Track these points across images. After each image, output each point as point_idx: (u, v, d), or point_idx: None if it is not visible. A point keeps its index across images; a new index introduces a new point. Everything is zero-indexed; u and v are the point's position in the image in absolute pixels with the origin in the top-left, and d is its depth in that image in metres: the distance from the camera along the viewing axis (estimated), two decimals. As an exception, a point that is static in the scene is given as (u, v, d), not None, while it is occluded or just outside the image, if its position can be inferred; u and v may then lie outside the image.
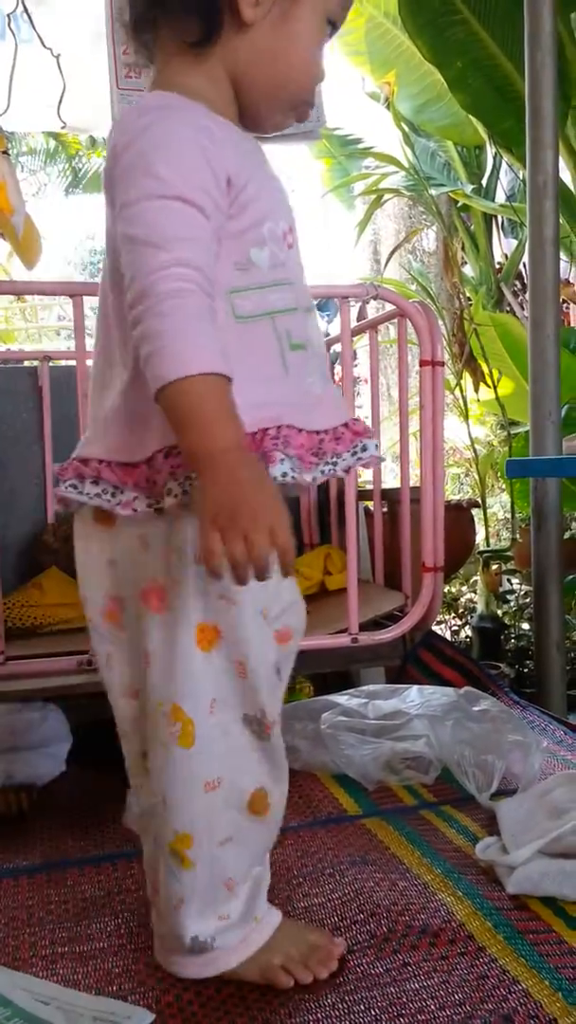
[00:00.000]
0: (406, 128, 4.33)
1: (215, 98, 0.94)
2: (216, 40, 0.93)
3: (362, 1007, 0.97)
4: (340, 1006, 0.97)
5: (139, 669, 0.98)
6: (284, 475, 0.89)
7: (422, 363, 1.86)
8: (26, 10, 2.38)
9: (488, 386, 3.52)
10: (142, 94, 0.96)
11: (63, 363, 2.48)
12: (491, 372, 3.40)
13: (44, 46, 2.38)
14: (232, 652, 0.95)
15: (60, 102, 2.44)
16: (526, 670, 2.58)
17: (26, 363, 2.45)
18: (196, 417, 0.83)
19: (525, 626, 2.86)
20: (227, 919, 1.01)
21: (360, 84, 5.16)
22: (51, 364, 2.37)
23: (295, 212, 1.01)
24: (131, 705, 1.01)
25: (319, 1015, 0.96)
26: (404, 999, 0.98)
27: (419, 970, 1.03)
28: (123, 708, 1.02)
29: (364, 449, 0.99)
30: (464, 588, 3.55)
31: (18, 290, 2.45)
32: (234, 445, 0.83)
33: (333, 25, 0.99)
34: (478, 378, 4.23)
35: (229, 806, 0.98)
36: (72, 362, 2.26)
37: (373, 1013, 0.96)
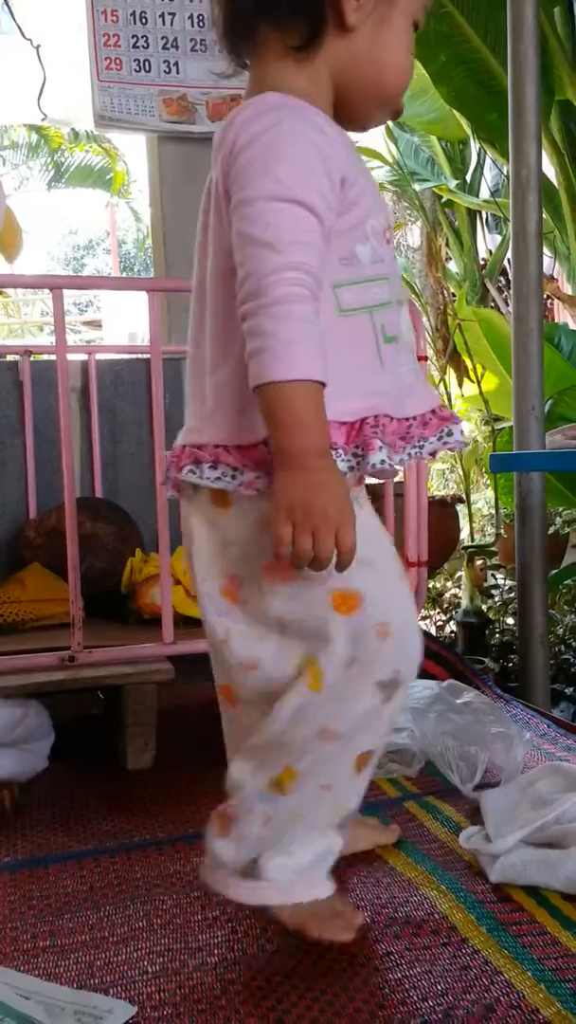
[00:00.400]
0: (389, 122, 4.32)
1: (318, 99, 0.98)
2: (320, 44, 0.97)
3: (344, 997, 0.97)
4: (323, 998, 0.97)
5: (259, 640, 1.02)
6: (382, 462, 0.95)
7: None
8: (6, 1, 2.36)
9: (472, 381, 3.53)
10: (243, 98, 0.99)
11: (44, 358, 2.47)
12: (475, 367, 3.40)
13: (24, 37, 2.37)
14: (374, 615, 0.99)
15: (40, 94, 2.43)
16: (510, 664, 2.59)
17: (8, 358, 2.43)
18: (290, 418, 0.89)
19: (510, 621, 2.87)
20: (291, 858, 1.05)
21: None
22: (32, 359, 2.36)
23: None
24: (252, 675, 1.03)
25: (301, 1006, 0.96)
26: (387, 989, 0.98)
27: (401, 960, 1.04)
28: (242, 679, 1.04)
29: (450, 434, 1.04)
30: (449, 583, 3.56)
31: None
32: (318, 450, 0.90)
33: (416, 26, 1.03)
34: (462, 373, 4.24)
35: (341, 758, 1.03)
36: (53, 356, 2.25)
37: (355, 1004, 0.96)
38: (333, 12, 0.96)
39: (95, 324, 11.50)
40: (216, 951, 1.07)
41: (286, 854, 1.06)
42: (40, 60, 2.38)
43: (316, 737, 1.01)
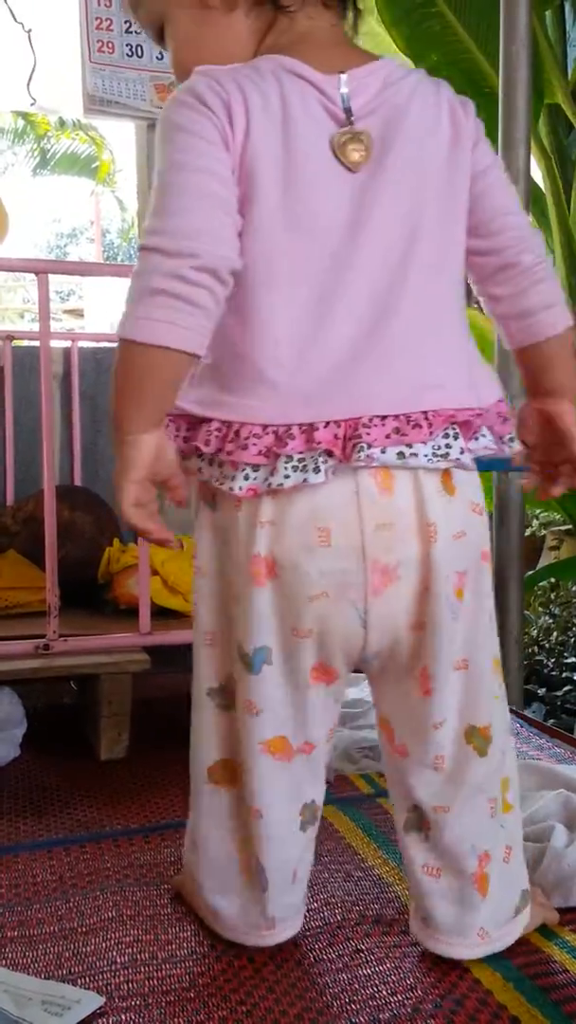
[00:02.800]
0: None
1: None
2: None
3: (314, 992, 0.97)
4: (293, 991, 0.97)
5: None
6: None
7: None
8: (-3, -17, 2.34)
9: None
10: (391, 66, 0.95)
11: (26, 344, 2.45)
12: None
13: (15, 20, 2.34)
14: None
15: (30, 78, 2.41)
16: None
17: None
18: None
19: (484, 620, 2.88)
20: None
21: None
22: (13, 344, 2.34)
23: None
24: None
25: (270, 999, 0.96)
26: (356, 984, 0.98)
27: (371, 956, 1.04)
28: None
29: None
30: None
31: (-18, 266, 2.41)
32: None
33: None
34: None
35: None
36: (36, 343, 2.23)
37: (325, 999, 0.96)
38: None
39: (77, 312, 11.44)
40: (186, 944, 1.07)
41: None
42: (31, 44, 2.36)
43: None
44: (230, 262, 0.87)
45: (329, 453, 0.87)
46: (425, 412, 0.89)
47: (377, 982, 0.99)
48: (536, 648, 2.78)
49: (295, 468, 0.87)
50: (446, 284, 0.96)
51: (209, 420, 0.91)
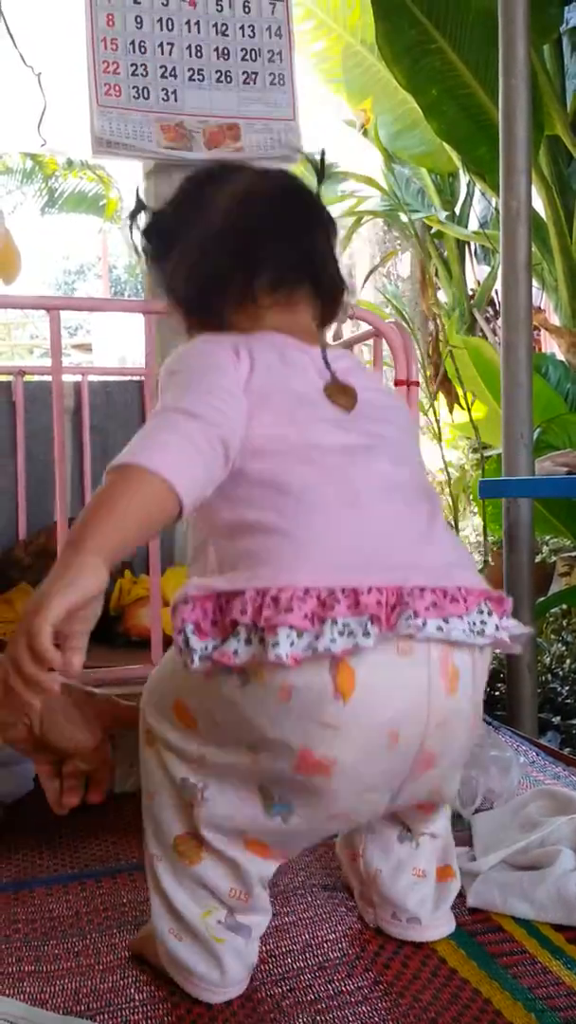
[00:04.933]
0: (383, 153, 4.38)
1: None
2: None
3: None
4: (312, 1026, 0.96)
5: None
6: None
7: (397, 383, 1.87)
8: (8, 29, 2.39)
9: (462, 408, 3.55)
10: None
11: (36, 379, 2.47)
12: (465, 395, 3.43)
13: (25, 64, 2.39)
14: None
15: (40, 121, 2.45)
16: (498, 692, 2.58)
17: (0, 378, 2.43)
18: None
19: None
20: None
21: (336, 111, 5.23)
22: (25, 380, 2.36)
23: None
24: None
25: (290, 1035, 0.95)
26: (376, 1018, 0.97)
27: (391, 989, 1.03)
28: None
29: None
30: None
31: (-7, 304, 2.44)
32: None
33: None
34: (452, 399, 4.26)
35: None
36: (47, 377, 2.26)
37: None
38: None
39: (85, 347, 11.53)
40: (204, 977, 1.06)
41: None
42: (41, 87, 2.40)
43: None
44: (239, 444, 0.93)
45: (374, 619, 0.86)
46: (459, 587, 0.92)
47: (398, 1014, 0.98)
48: (549, 676, 2.76)
49: (341, 633, 0.85)
50: (427, 485, 1.06)
51: (242, 593, 0.87)
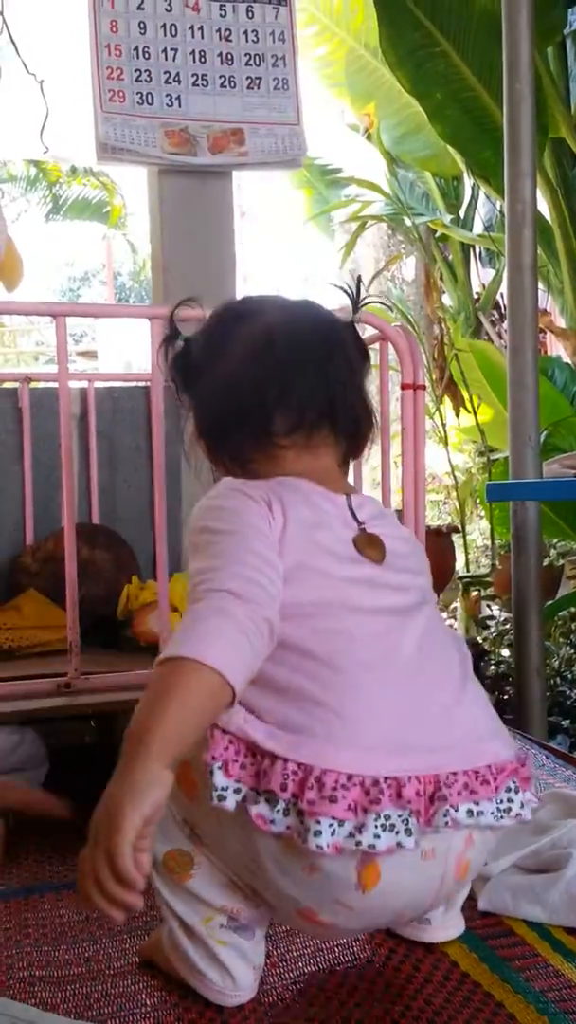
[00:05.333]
0: (387, 157, 4.39)
1: None
2: None
3: (346, 1031, 0.95)
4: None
5: None
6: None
7: (403, 386, 1.87)
8: (11, 37, 2.40)
9: (468, 411, 3.55)
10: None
11: (42, 385, 2.47)
12: (471, 398, 3.43)
13: (28, 71, 2.40)
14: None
15: (43, 128, 2.46)
16: (506, 696, 2.58)
17: (5, 384, 2.44)
18: None
19: (505, 652, 2.86)
20: None
21: (340, 115, 5.24)
22: (31, 386, 2.36)
23: None
24: None
25: (302, 1040, 0.94)
26: (388, 1021, 0.97)
27: (403, 993, 1.02)
28: None
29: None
30: (444, 614, 3.56)
31: (0, 310, 2.45)
32: None
33: None
34: (458, 403, 4.26)
35: None
36: (52, 384, 2.26)
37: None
38: None
39: (90, 354, 11.56)
40: (215, 982, 1.05)
41: None
42: (43, 94, 2.41)
43: None
44: (279, 615, 0.92)
45: (415, 813, 0.87)
46: (489, 766, 0.93)
47: (410, 1019, 0.97)
48: (558, 679, 2.76)
49: (383, 827, 0.85)
50: (454, 634, 1.10)
51: (284, 760, 0.86)
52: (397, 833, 0.85)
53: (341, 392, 1.07)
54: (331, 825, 0.84)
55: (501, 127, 2.28)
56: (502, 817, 0.93)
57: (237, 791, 0.88)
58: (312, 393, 1.05)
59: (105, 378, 2.86)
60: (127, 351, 8.71)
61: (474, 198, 5.01)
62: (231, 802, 0.87)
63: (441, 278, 5.31)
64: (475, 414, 3.42)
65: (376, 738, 0.90)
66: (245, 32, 2.32)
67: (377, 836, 0.84)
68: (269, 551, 0.95)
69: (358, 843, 0.84)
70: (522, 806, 0.95)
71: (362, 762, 0.87)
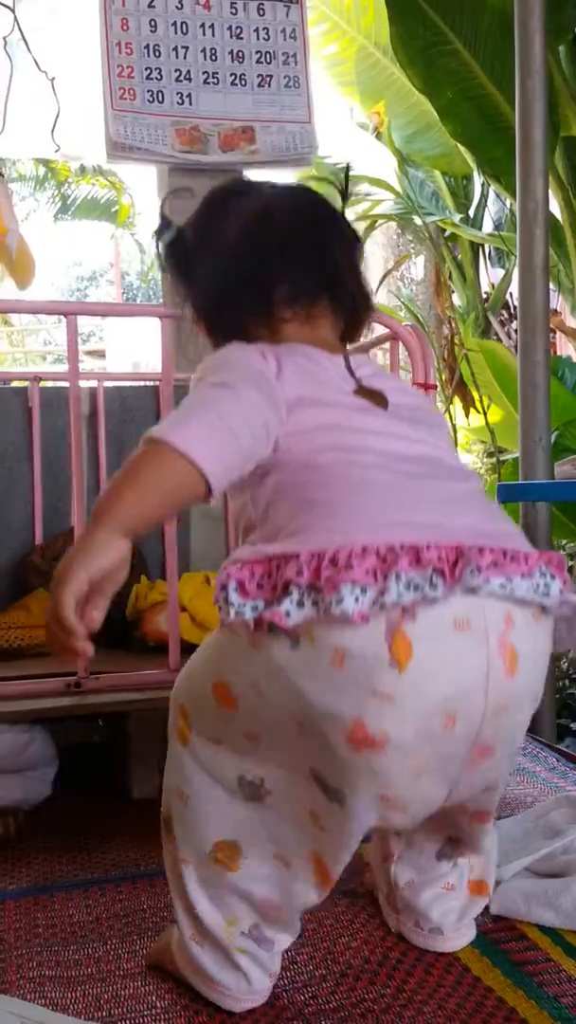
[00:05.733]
0: (397, 156, 4.38)
1: None
2: None
3: (358, 1035, 0.95)
4: (335, 1034, 0.95)
5: None
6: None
7: (414, 385, 1.86)
8: (22, 34, 2.39)
9: (478, 411, 3.54)
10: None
11: (50, 384, 2.47)
12: (481, 398, 3.41)
13: (39, 69, 2.40)
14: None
15: (54, 126, 2.45)
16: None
17: (14, 384, 2.44)
18: None
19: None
20: None
21: (349, 114, 5.23)
22: (40, 385, 2.36)
23: None
24: None
25: (314, 1043, 0.94)
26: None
27: (414, 998, 1.01)
28: None
29: None
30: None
31: (11, 308, 2.44)
32: None
33: None
34: (468, 403, 4.25)
35: None
36: (63, 384, 2.26)
37: (369, 1041, 0.94)
38: None
39: (98, 353, 11.57)
40: (225, 985, 1.05)
41: None
42: (55, 92, 2.41)
43: None
44: (279, 425, 0.93)
45: (438, 572, 0.82)
46: (516, 549, 0.88)
47: (421, 1023, 0.97)
48: (567, 682, 2.74)
49: (406, 587, 0.81)
50: (473, 471, 1.08)
51: (296, 556, 0.84)
52: (422, 589, 0.81)
53: (339, 265, 1.08)
54: (352, 591, 0.81)
55: (513, 125, 2.26)
56: (542, 596, 0.87)
57: (254, 608, 0.86)
58: (312, 262, 1.07)
59: (115, 378, 2.86)
60: (135, 351, 8.72)
61: (484, 197, 4.99)
62: (248, 615, 0.85)
63: (450, 277, 5.29)
64: (485, 414, 3.40)
65: (389, 519, 0.87)
66: (256, 30, 2.32)
67: (400, 594, 0.81)
68: (269, 374, 0.97)
69: (383, 604, 0.81)
70: (560, 592, 0.88)
71: (374, 536, 0.84)
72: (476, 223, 4.98)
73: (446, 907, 1.10)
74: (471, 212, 4.99)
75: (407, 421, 1.02)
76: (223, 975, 0.98)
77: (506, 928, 1.16)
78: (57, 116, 2.42)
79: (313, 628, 0.83)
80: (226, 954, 0.98)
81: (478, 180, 4.84)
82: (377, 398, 1.02)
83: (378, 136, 4.33)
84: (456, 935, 1.11)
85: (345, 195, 1.15)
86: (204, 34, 2.27)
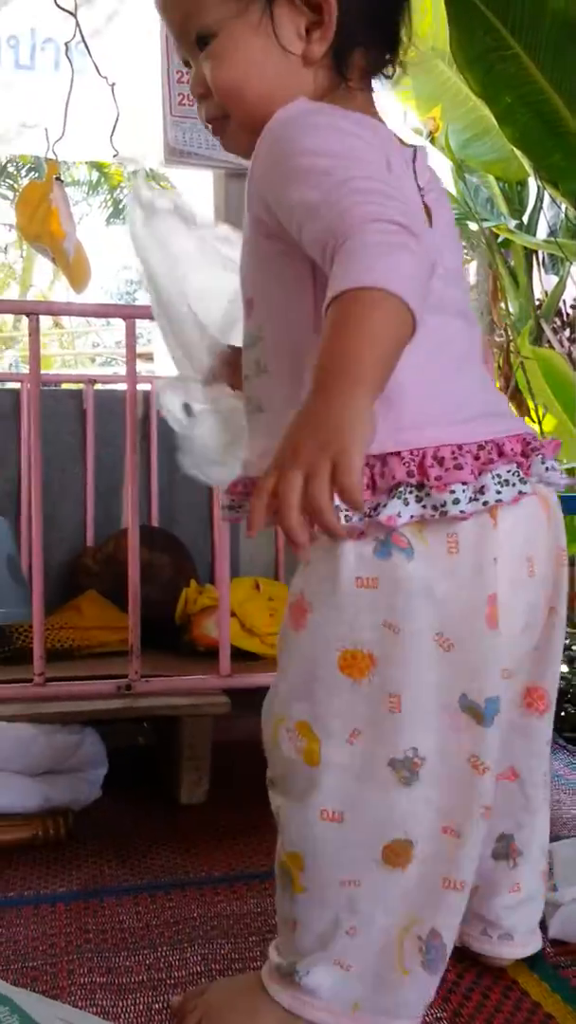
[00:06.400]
0: (453, 161, 4.34)
1: None
2: None
3: (413, 1057, 0.93)
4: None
5: None
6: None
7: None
8: (83, 40, 2.41)
9: (534, 420, 3.49)
10: None
11: (101, 387, 2.48)
12: (536, 407, 3.37)
13: (100, 74, 2.41)
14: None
15: (113, 131, 2.46)
16: (563, 714, 2.52)
17: (65, 386, 2.46)
18: None
19: (564, 668, 2.80)
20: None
21: (403, 118, 5.20)
22: (95, 388, 2.37)
23: None
24: None
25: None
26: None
27: (472, 1022, 0.99)
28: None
29: None
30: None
31: (72, 311, 2.46)
32: None
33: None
34: (523, 412, 4.19)
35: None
36: (120, 386, 2.27)
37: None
38: None
39: (147, 356, 11.66)
40: (277, 999, 1.03)
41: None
42: (114, 98, 2.42)
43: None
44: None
45: (520, 466, 0.88)
46: (533, 435, 0.93)
47: None
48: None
49: (502, 484, 0.86)
50: None
51: (397, 454, 0.84)
52: (514, 485, 0.87)
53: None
54: (464, 490, 0.84)
55: (572, 130, 2.23)
56: (564, 476, 0.95)
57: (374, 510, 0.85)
58: (390, 35, 1.06)
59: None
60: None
61: (539, 202, 4.93)
62: (356, 521, 0.85)
63: (501, 284, 5.24)
64: (540, 423, 3.35)
65: (470, 411, 0.90)
66: (316, 35, 2.30)
67: (499, 492, 0.86)
68: (416, 198, 0.92)
69: (485, 502, 0.85)
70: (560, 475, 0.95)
71: (465, 433, 0.87)
72: (530, 229, 4.93)
73: (516, 911, 1.07)
74: (525, 218, 4.94)
75: (451, 245, 1.00)
76: (372, 998, 0.91)
77: (566, 953, 1.13)
78: (116, 120, 2.43)
79: (424, 529, 0.86)
80: (388, 974, 0.91)
81: (533, 185, 4.78)
82: (427, 214, 0.93)
83: (433, 141, 4.29)
84: (525, 942, 1.08)
85: None
86: (264, 39, 2.26)
